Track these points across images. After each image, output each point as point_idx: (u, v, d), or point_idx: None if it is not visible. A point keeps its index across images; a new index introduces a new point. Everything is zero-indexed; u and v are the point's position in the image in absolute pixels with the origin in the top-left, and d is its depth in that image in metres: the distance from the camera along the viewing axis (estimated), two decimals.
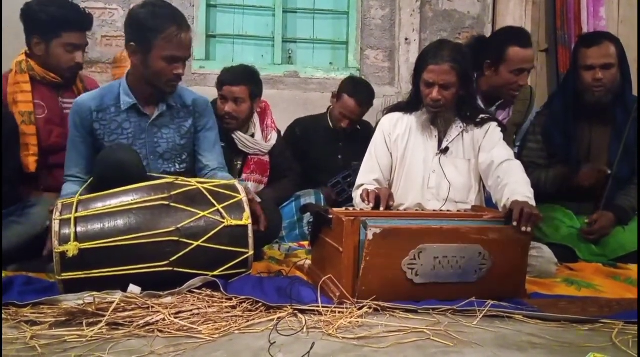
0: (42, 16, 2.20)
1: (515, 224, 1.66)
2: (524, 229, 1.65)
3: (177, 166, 2.11)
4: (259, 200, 2.00)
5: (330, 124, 3.09)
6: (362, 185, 2.22)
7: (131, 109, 2.05)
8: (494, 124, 2.19)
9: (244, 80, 2.63)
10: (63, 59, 2.27)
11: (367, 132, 3.05)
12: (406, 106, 2.28)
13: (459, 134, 2.18)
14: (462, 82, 2.10)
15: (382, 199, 1.94)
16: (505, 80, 2.55)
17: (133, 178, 1.82)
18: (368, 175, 2.24)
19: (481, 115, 2.21)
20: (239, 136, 2.68)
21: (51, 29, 2.22)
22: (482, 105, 2.58)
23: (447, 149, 2.18)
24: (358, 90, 2.97)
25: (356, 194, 2.22)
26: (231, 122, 2.63)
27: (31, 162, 2.25)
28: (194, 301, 1.56)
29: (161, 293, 1.59)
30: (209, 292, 1.63)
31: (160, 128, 2.09)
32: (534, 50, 2.63)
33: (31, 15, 2.23)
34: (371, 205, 1.93)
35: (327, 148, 3.07)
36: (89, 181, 1.95)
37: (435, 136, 2.20)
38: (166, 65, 1.97)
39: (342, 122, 3.00)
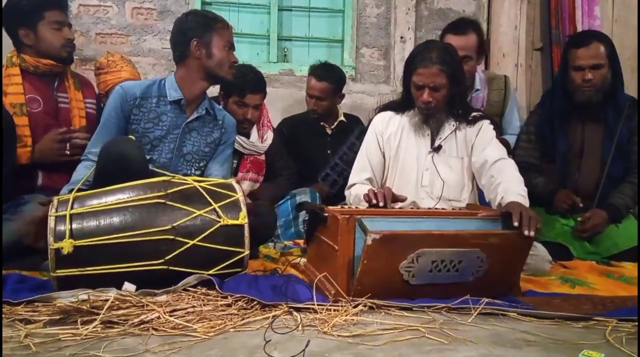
0: (24, 4, 2.28)
1: (516, 224, 1.63)
2: (526, 233, 1.62)
3: (194, 171, 2.18)
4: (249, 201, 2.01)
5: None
6: (354, 184, 2.21)
7: (174, 103, 2.12)
8: (486, 122, 2.20)
9: (264, 86, 2.67)
10: (54, 39, 2.32)
11: (354, 124, 3.06)
12: (398, 107, 2.28)
13: (451, 133, 2.19)
14: (452, 82, 2.09)
15: (387, 199, 1.93)
16: None
17: (135, 171, 1.82)
18: (360, 174, 2.24)
19: (473, 114, 2.21)
20: (236, 138, 2.67)
21: (34, 14, 2.29)
22: None
23: (439, 147, 2.18)
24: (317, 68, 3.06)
25: (349, 193, 2.22)
26: (249, 127, 2.69)
27: (23, 153, 2.23)
28: (189, 299, 1.56)
29: (156, 291, 1.58)
30: (204, 290, 1.62)
31: (191, 131, 2.17)
32: (471, 39, 2.68)
33: (15, 9, 2.28)
34: (381, 204, 1.91)
35: (316, 144, 3.08)
36: (91, 170, 1.95)
37: (428, 135, 2.21)
38: (226, 53, 2.13)
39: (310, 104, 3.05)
